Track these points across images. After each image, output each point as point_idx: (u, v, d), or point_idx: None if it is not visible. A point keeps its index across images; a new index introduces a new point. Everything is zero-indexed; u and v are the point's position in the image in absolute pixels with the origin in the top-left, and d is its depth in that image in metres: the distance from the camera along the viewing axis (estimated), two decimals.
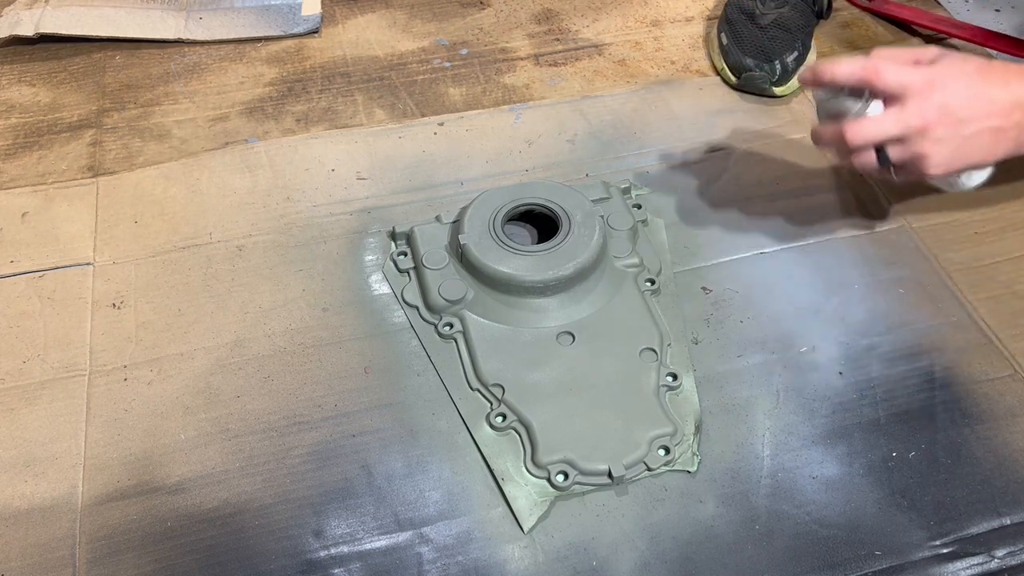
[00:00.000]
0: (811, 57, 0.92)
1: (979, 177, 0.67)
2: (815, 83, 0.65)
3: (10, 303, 0.72)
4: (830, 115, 0.66)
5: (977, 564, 0.57)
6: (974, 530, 0.59)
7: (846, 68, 0.62)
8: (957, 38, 0.94)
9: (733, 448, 0.63)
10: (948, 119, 0.60)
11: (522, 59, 0.96)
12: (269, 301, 0.72)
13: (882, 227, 0.77)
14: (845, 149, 0.64)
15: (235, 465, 0.62)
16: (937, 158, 0.61)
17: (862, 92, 0.63)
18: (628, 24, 1.00)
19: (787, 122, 0.87)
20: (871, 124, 0.62)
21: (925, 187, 0.71)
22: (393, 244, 0.75)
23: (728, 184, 0.81)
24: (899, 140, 0.62)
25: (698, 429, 0.63)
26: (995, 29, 0.94)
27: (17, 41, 0.95)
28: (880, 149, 0.63)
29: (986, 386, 0.66)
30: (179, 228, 0.77)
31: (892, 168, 0.64)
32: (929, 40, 0.96)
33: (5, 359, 0.68)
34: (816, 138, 0.67)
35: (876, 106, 0.63)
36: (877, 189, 0.80)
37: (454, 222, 0.74)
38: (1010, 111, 0.61)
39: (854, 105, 0.63)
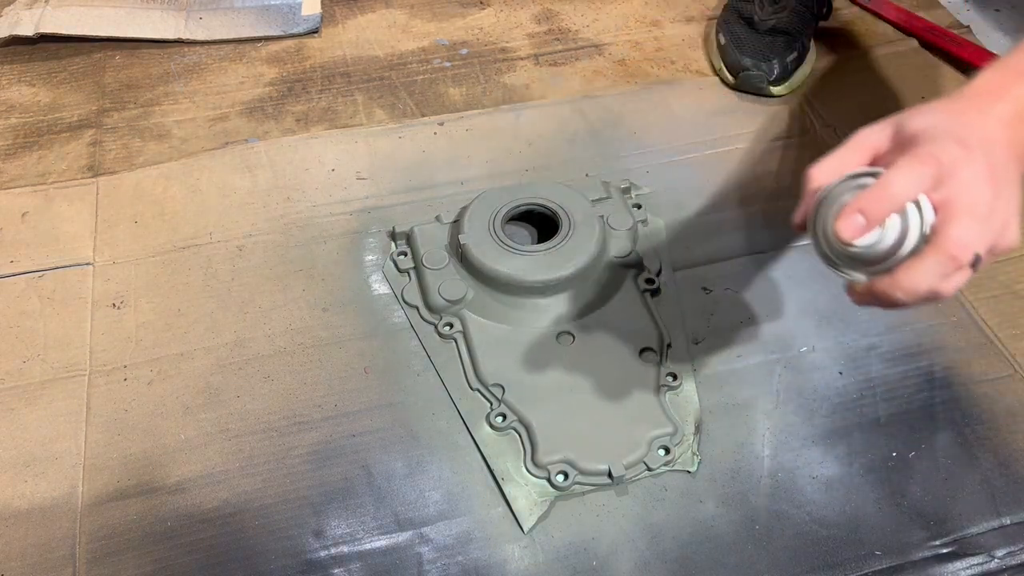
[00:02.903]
0: (811, 58, 0.92)
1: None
2: (863, 229, 0.47)
3: (10, 303, 0.71)
4: (873, 261, 0.49)
5: (977, 564, 0.57)
6: (974, 530, 0.59)
7: (906, 182, 0.46)
8: (947, 48, 0.93)
9: (733, 448, 0.63)
10: (1002, 180, 0.48)
11: (522, 59, 0.96)
12: (269, 301, 0.72)
13: None
14: (945, 280, 0.46)
15: (235, 465, 0.62)
16: (1015, 222, 0.48)
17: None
18: (628, 24, 1.00)
19: (786, 122, 0.87)
20: (967, 230, 0.45)
21: None
22: (393, 244, 0.75)
23: (728, 184, 0.81)
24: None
25: (698, 429, 0.63)
26: (995, 28, 0.94)
27: (17, 41, 0.95)
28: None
29: (986, 386, 0.66)
30: (179, 228, 0.77)
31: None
32: (928, 43, 0.96)
33: (5, 359, 0.68)
34: (895, 292, 0.47)
35: (927, 211, 0.47)
36: None
37: (454, 222, 0.74)
38: (1010, 132, 0.50)
39: (910, 228, 0.46)
